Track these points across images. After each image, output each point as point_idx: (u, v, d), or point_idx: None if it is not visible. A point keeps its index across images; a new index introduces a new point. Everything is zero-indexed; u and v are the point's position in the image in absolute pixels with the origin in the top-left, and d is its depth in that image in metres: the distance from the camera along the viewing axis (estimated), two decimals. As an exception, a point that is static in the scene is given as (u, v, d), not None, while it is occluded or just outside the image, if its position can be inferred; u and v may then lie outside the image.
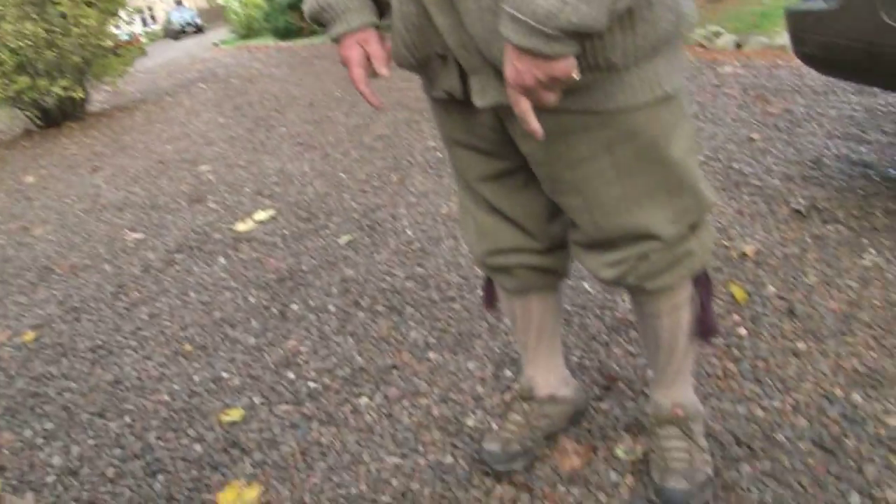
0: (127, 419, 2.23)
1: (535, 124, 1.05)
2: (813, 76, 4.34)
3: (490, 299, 1.73)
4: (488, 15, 1.06)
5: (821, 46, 2.73)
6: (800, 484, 1.59)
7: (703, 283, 1.46)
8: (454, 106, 1.32)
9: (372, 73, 1.26)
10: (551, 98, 1.02)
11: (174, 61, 9.45)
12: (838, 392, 1.82)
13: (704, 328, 1.50)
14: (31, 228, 4.49)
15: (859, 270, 2.29)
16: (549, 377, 1.75)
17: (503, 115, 1.24)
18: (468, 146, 1.37)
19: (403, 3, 1.16)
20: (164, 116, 6.81)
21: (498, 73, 1.13)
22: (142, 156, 5.62)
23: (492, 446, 1.72)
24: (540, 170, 1.28)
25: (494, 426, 1.89)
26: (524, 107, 1.04)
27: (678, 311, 1.46)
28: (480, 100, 1.19)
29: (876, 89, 3.88)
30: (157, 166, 5.18)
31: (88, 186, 5.27)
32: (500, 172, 1.38)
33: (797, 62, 4.42)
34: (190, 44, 10.87)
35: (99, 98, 10.64)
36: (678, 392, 1.62)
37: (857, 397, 1.79)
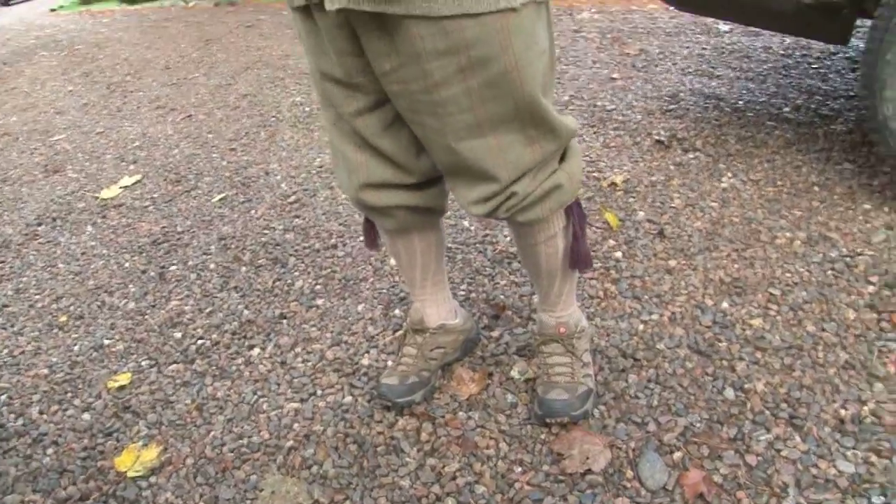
0: (3, 398, 2.13)
1: None
2: (664, 19, 4.53)
3: (372, 240, 1.71)
4: None
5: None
6: (681, 386, 1.71)
7: (575, 213, 1.50)
8: (312, 24, 1.29)
9: None
10: None
11: (7, 28, 8.75)
12: (709, 301, 1.96)
13: (577, 259, 1.54)
14: None
15: (719, 192, 2.44)
16: (439, 309, 1.79)
17: (356, 25, 1.20)
18: (337, 81, 1.34)
19: None
20: (4, 87, 6.33)
21: None
22: (-16, 129, 5.25)
23: (389, 380, 1.75)
24: (395, 88, 1.25)
25: (390, 363, 1.92)
26: None
27: (554, 240, 1.51)
28: (330, 3, 1.15)
29: (722, 28, 4.10)
30: (3, 139, 4.86)
31: (-73, 165, 4.88)
32: (371, 105, 1.35)
33: (650, 6, 4.61)
34: (23, 9, 10.19)
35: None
36: (562, 311, 1.69)
37: (725, 304, 1.94)
